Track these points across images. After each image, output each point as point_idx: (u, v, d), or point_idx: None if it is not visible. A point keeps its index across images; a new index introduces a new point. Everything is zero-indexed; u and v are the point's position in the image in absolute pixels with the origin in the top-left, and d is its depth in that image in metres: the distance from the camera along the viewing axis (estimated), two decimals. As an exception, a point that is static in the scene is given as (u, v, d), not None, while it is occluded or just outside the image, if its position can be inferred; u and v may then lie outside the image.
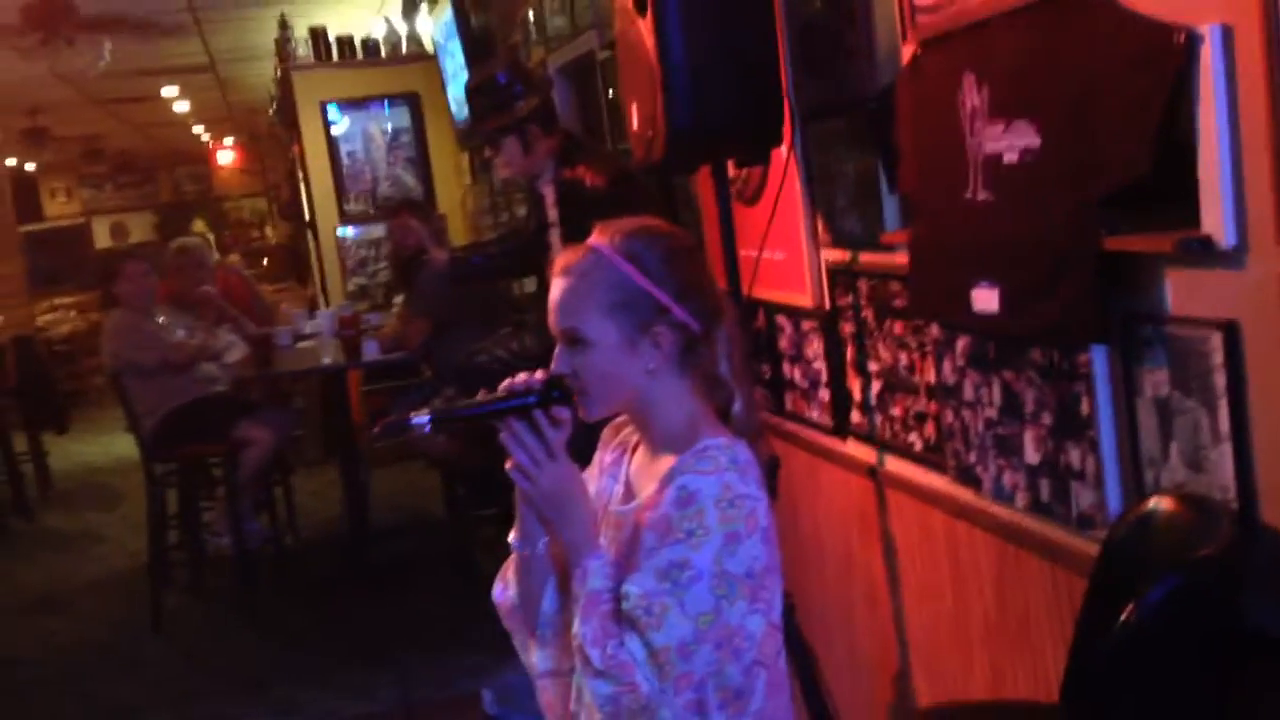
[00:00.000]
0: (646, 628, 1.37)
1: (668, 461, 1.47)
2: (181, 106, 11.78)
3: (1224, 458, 1.61)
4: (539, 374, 1.48)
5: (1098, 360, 1.84)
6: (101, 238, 17.37)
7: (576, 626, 1.41)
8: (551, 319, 1.51)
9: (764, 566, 1.41)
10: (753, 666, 1.44)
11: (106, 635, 5.12)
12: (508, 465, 1.46)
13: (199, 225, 17.54)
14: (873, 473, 2.68)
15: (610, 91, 4.38)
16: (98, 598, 5.68)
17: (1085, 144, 1.72)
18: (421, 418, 1.44)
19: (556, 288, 1.51)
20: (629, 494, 1.56)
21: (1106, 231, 1.73)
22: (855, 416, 2.74)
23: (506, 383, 1.47)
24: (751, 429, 1.52)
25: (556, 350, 1.51)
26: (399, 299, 6.13)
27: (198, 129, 15.00)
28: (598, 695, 1.37)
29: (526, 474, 1.44)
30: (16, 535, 6.99)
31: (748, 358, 1.58)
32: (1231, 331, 1.58)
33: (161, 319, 5.28)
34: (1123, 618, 1.47)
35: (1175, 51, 1.55)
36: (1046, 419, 1.98)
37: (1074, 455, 1.92)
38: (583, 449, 1.71)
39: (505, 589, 1.59)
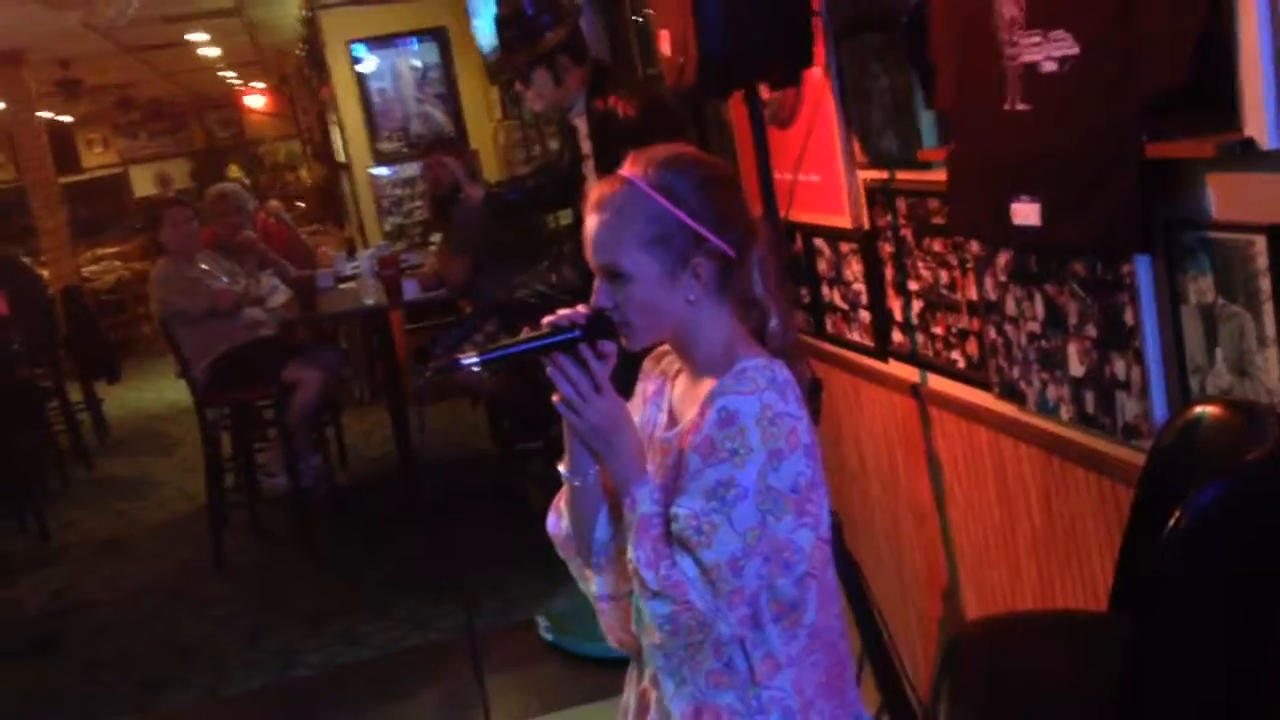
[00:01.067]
0: (697, 546, 1.40)
1: (708, 385, 1.49)
2: (210, 52, 11.78)
3: (1270, 362, 1.61)
4: (581, 308, 1.50)
5: (1141, 269, 1.83)
6: (140, 186, 17.51)
7: (630, 551, 1.45)
8: (589, 254, 1.52)
9: (808, 481, 1.44)
10: (804, 579, 1.47)
11: (172, 577, 5.28)
12: (555, 399, 1.49)
13: (234, 171, 17.62)
14: (916, 392, 2.69)
15: (639, 18, 4.33)
16: (161, 540, 5.84)
17: (1124, 50, 1.69)
18: (470, 358, 1.46)
19: (592, 222, 1.52)
20: (673, 420, 1.58)
21: (1147, 138, 1.71)
22: (896, 336, 2.74)
23: (550, 318, 1.49)
24: (788, 347, 1.54)
25: (596, 284, 1.52)
26: (436, 237, 6.16)
27: (226, 74, 15.00)
28: (656, 615, 1.41)
29: (573, 408, 1.47)
30: (77, 483, 7.18)
31: (782, 278, 1.59)
32: (1276, 235, 1.56)
33: (205, 265, 5.35)
34: (1171, 522, 1.48)
35: (1216, -49, 1.52)
36: (1090, 331, 1.97)
37: (1119, 366, 1.92)
38: (625, 379, 1.73)
39: (559, 519, 1.62)
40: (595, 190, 1.54)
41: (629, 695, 1.64)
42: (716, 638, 1.43)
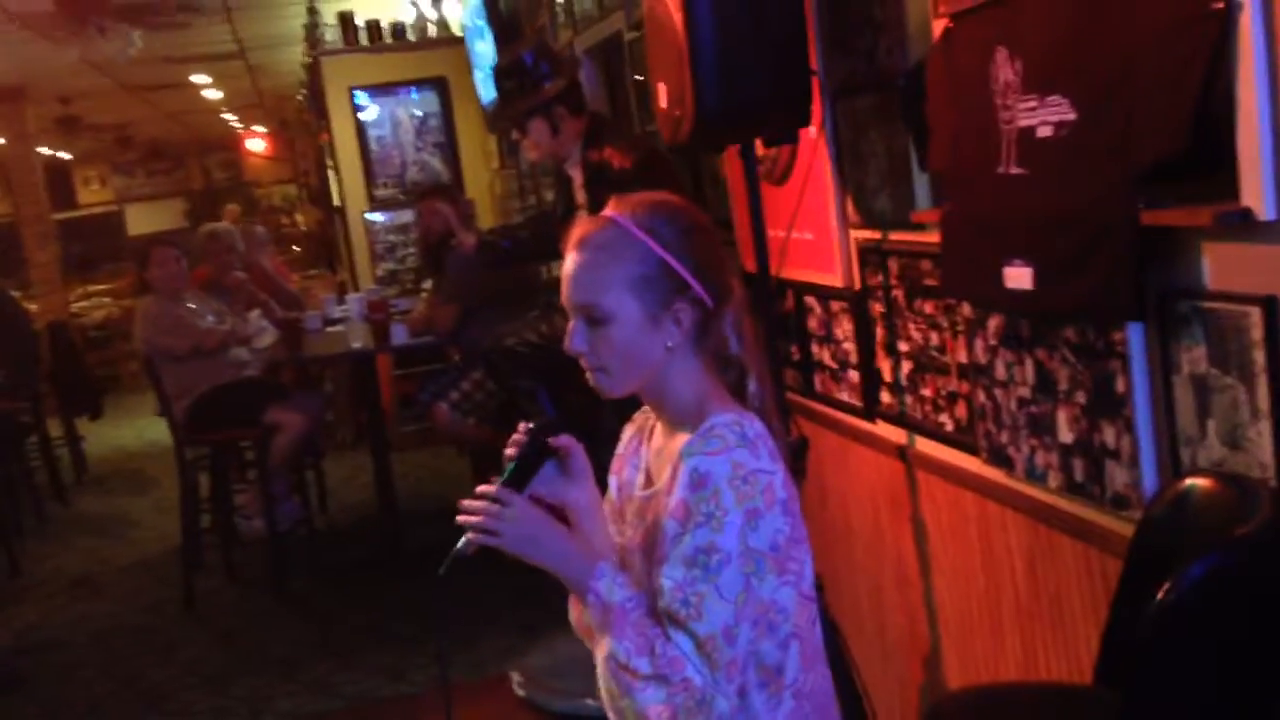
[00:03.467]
0: (687, 620, 1.34)
1: (680, 440, 1.44)
2: (212, 94, 11.86)
3: (1263, 435, 1.58)
4: (521, 427, 1.47)
5: (1133, 337, 1.81)
6: (134, 225, 17.53)
7: (611, 648, 1.36)
8: (567, 292, 1.47)
9: (787, 538, 1.39)
10: (788, 640, 1.42)
11: (141, 618, 5.18)
12: (469, 542, 1.43)
13: (234, 210, 17.67)
14: (903, 454, 2.66)
15: (637, 73, 4.36)
16: (132, 581, 5.74)
17: (1121, 116, 1.69)
18: (463, 546, 1.44)
19: (572, 260, 1.47)
20: (648, 479, 1.53)
21: (1143, 205, 1.70)
22: (885, 397, 2.72)
23: (510, 450, 1.47)
24: (766, 407, 1.49)
25: (571, 326, 1.47)
26: (428, 283, 6.14)
27: (228, 116, 15.09)
28: (650, 705, 1.33)
29: (491, 533, 1.41)
30: (53, 519, 7.08)
31: (758, 335, 1.55)
32: (1271, 306, 1.55)
33: (192, 304, 5.32)
34: (1160, 596, 1.45)
35: (1213, 18, 1.52)
36: (1081, 398, 1.95)
37: (1109, 434, 1.89)
38: (612, 425, 1.70)
39: (578, 615, 1.54)
40: (578, 229, 1.50)
41: None
42: (718, 716, 1.35)
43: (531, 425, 1.48)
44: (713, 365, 1.50)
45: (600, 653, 1.39)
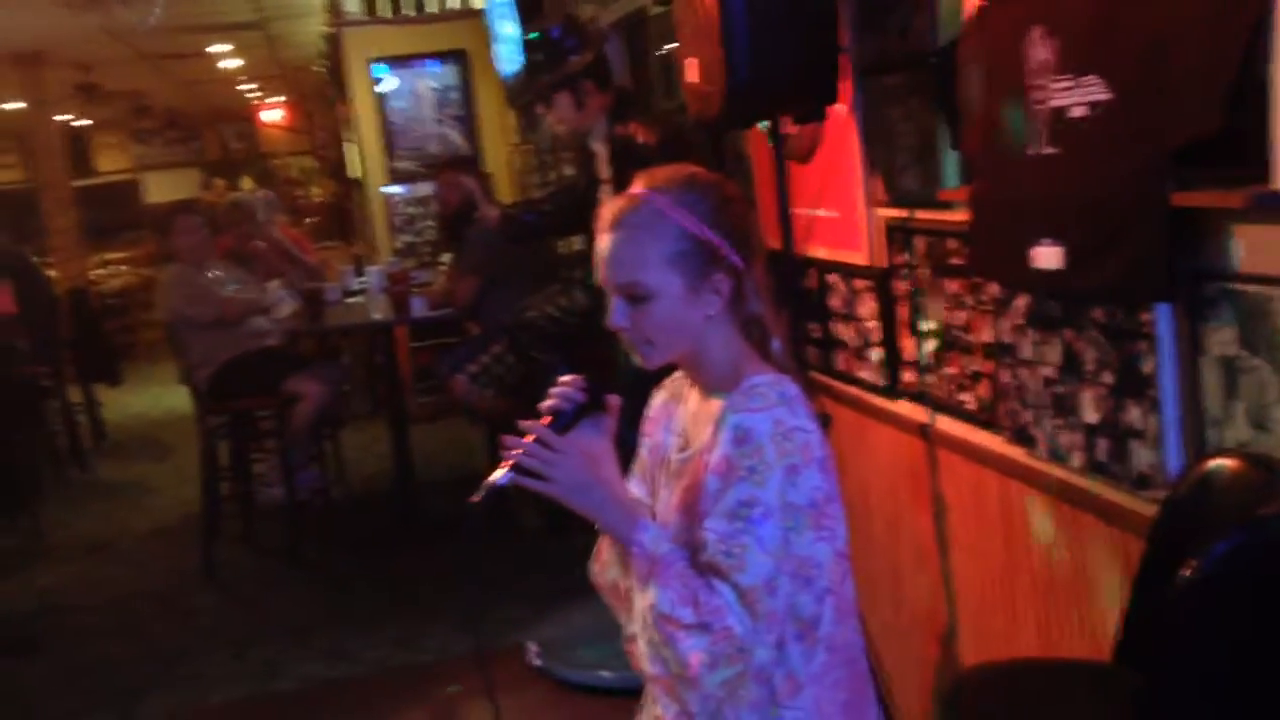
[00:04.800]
0: (730, 570, 1.37)
1: (718, 404, 1.47)
2: (230, 63, 11.85)
3: (1291, 417, 1.59)
4: (569, 380, 1.49)
5: (1162, 318, 1.82)
6: (152, 193, 17.56)
7: (654, 598, 1.38)
8: (606, 273, 1.50)
9: (825, 495, 1.42)
10: (823, 594, 1.45)
11: (160, 583, 5.24)
12: (526, 483, 1.43)
13: (246, 183, 17.67)
14: (924, 432, 2.67)
15: (662, 48, 4.35)
16: (151, 547, 5.80)
17: (1156, 98, 1.69)
18: (503, 478, 1.43)
19: (609, 240, 1.49)
20: (685, 443, 1.56)
21: (1175, 187, 1.70)
22: (907, 376, 2.73)
23: (548, 404, 1.47)
24: (790, 366, 1.53)
25: (613, 304, 1.50)
26: (446, 256, 6.16)
27: (246, 86, 15.08)
28: (692, 653, 1.35)
29: (543, 479, 1.42)
30: (72, 485, 7.14)
31: (775, 298, 1.58)
32: (1303, 289, 1.56)
33: (215, 273, 5.35)
34: (1184, 574, 1.46)
35: (1253, 0, 1.51)
36: (1106, 378, 1.96)
37: (1134, 415, 1.90)
38: (638, 399, 1.72)
39: (602, 570, 1.58)
40: (610, 208, 1.52)
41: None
42: (756, 665, 1.38)
43: (586, 377, 1.49)
44: (742, 327, 1.52)
45: (642, 603, 1.41)
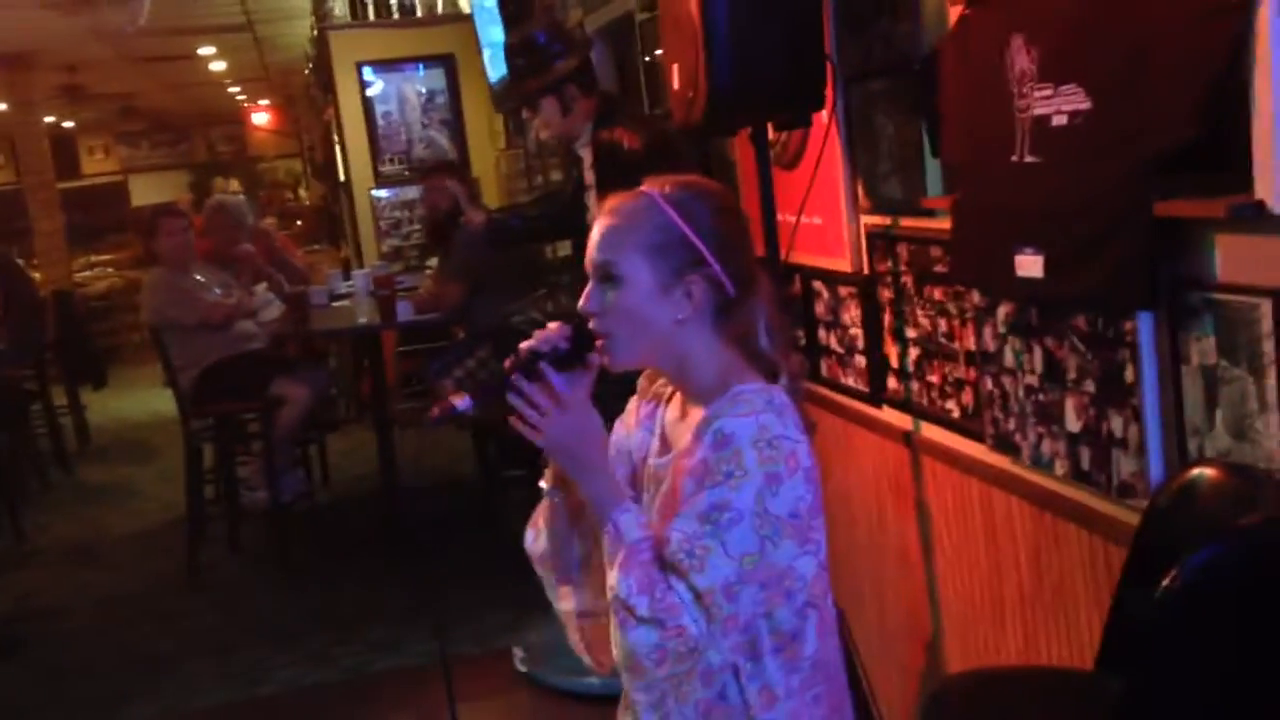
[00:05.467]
0: (689, 570, 1.36)
1: (703, 411, 1.47)
2: (218, 66, 11.83)
3: (1271, 427, 1.60)
4: (554, 326, 1.48)
5: (1143, 327, 1.82)
6: (138, 196, 17.52)
7: (615, 581, 1.40)
8: (589, 253, 1.51)
9: (809, 507, 1.41)
10: (805, 608, 1.44)
11: (143, 587, 5.21)
12: (513, 420, 1.45)
13: (233, 185, 17.64)
14: (908, 439, 2.68)
15: (648, 53, 4.35)
16: (134, 550, 5.77)
17: (1137, 107, 1.70)
18: (464, 402, 1.44)
19: (600, 225, 1.51)
20: (665, 446, 1.56)
21: (1156, 196, 1.71)
22: (891, 383, 2.73)
23: (529, 343, 1.47)
24: (798, 395, 1.52)
25: (589, 286, 1.51)
26: (433, 261, 6.14)
27: (233, 89, 15.05)
28: (642, 645, 1.36)
29: (532, 427, 1.44)
30: (56, 488, 7.11)
31: (786, 328, 1.58)
32: (1282, 299, 1.56)
33: (199, 276, 5.33)
34: (1164, 583, 1.46)
35: (1234, 11, 1.52)
36: (1089, 386, 1.96)
37: (1116, 423, 1.91)
38: (617, 398, 1.71)
39: (536, 536, 1.60)
40: (611, 199, 1.54)
41: None
42: (706, 667, 1.39)
43: (574, 328, 1.48)
44: (739, 348, 1.52)
45: (609, 581, 1.42)
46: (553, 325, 1.49)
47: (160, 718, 3.93)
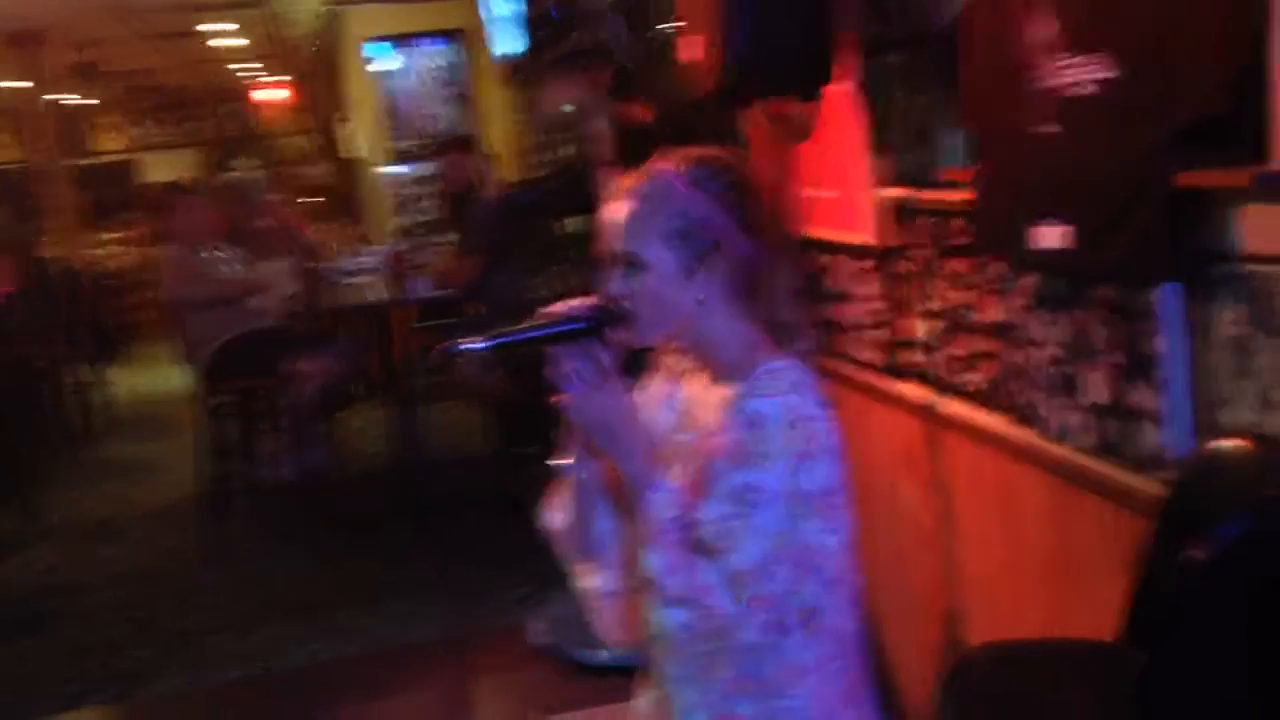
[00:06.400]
0: (721, 552, 1.37)
1: (729, 388, 1.46)
2: (229, 43, 11.79)
3: (1297, 398, 1.58)
4: (587, 299, 1.47)
5: (1167, 298, 1.81)
6: (149, 173, 17.51)
7: (648, 559, 1.40)
8: (608, 239, 1.50)
9: (834, 484, 1.42)
10: (830, 584, 1.44)
11: (162, 562, 5.25)
12: (554, 396, 1.45)
13: (245, 162, 17.61)
14: (926, 413, 2.67)
15: (662, 26, 4.32)
16: (153, 525, 5.81)
17: (1161, 76, 1.68)
18: (475, 343, 1.44)
19: (615, 209, 1.50)
20: (685, 423, 1.55)
21: (1179, 166, 1.69)
22: (909, 356, 2.72)
23: (556, 307, 1.47)
24: (809, 355, 1.52)
25: (611, 271, 1.50)
26: (448, 236, 6.14)
27: (244, 66, 15.01)
28: (675, 624, 1.37)
29: (574, 403, 1.44)
30: (73, 464, 7.15)
31: (803, 293, 1.57)
32: (1309, 269, 1.55)
33: (214, 253, 5.33)
34: (1187, 556, 1.45)
35: (1265, -22, 1.50)
36: (1112, 358, 1.95)
37: (1140, 395, 1.89)
38: (632, 372, 1.71)
39: (556, 514, 1.59)
40: (626, 178, 1.52)
41: (642, 702, 1.61)
42: (737, 645, 1.39)
43: (596, 305, 1.47)
44: (760, 319, 1.51)
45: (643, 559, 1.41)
46: (573, 301, 1.48)
47: (179, 693, 3.96)
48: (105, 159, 17.42)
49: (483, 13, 6.24)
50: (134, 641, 4.39)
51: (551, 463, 1.56)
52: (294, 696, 3.85)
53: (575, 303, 1.47)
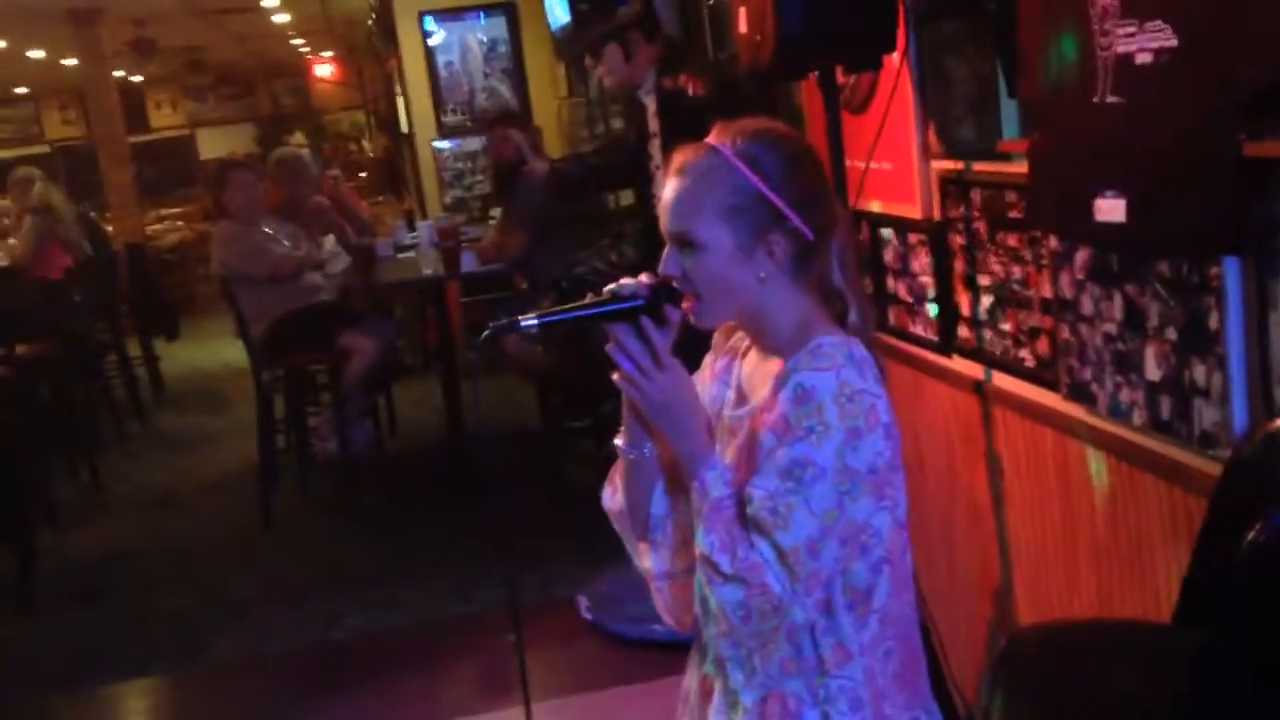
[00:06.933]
0: (773, 529, 1.35)
1: (781, 363, 1.44)
2: (281, 18, 11.88)
3: (1364, 376, 1.54)
4: (645, 277, 1.46)
5: (1230, 272, 1.76)
6: (205, 149, 17.74)
7: (700, 538, 1.39)
8: (663, 219, 1.48)
9: (887, 463, 1.38)
10: (879, 564, 1.42)
11: (220, 534, 5.34)
12: (614, 375, 1.45)
13: (297, 138, 17.77)
14: (979, 389, 2.63)
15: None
16: (210, 498, 5.91)
17: (1226, 43, 1.63)
18: (529, 319, 1.44)
19: (672, 187, 1.47)
20: (741, 399, 1.54)
21: (1244, 136, 1.64)
22: (962, 332, 2.68)
23: (613, 285, 1.45)
24: (868, 336, 1.49)
25: (666, 251, 1.48)
26: (497, 211, 6.15)
27: (297, 41, 15.12)
28: (727, 602, 1.36)
29: (633, 382, 1.43)
30: (131, 437, 7.29)
31: (860, 268, 1.54)
32: (1380, 242, 1.50)
33: (268, 229, 5.38)
34: (1249, 537, 1.42)
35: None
36: (1170, 334, 1.91)
37: (1199, 371, 1.85)
38: (692, 353, 1.70)
39: (614, 493, 1.59)
40: (679, 155, 1.49)
41: (690, 680, 1.60)
42: (791, 624, 1.38)
43: (655, 283, 1.46)
44: (816, 294, 1.49)
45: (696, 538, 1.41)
46: (630, 279, 1.47)
47: (237, 660, 4.04)
48: (164, 135, 17.66)
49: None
50: (193, 609, 4.49)
51: (613, 442, 1.56)
52: (349, 666, 3.91)
53: (631, 280, 1.46)
